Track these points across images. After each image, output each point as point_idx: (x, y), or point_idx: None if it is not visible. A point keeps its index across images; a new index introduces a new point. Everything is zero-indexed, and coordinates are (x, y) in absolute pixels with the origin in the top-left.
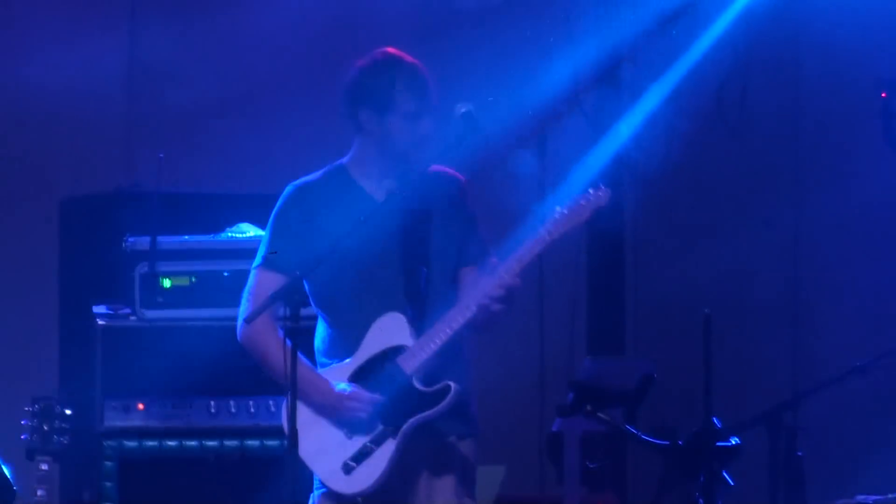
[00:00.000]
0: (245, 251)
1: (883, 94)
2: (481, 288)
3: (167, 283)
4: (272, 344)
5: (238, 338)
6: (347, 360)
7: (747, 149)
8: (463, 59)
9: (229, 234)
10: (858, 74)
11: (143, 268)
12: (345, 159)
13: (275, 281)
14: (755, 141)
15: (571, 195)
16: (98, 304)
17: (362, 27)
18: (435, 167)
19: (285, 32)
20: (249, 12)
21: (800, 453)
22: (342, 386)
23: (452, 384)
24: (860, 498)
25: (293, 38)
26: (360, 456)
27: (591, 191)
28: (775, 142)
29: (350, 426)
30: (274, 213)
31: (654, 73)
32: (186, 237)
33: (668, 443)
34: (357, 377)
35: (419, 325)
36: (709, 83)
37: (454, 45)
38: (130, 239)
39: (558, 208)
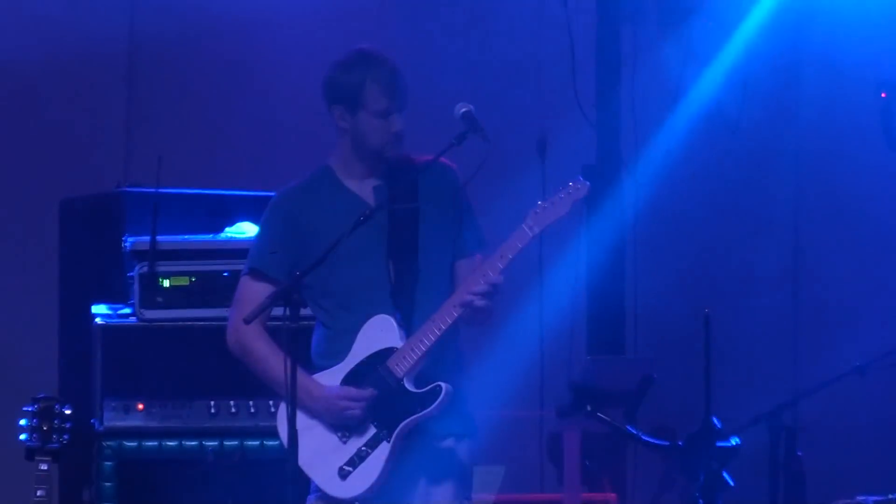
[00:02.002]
0: (245, 251)
1: (883, 94)
2: (466, 286)
3: (166, 283)
4: (265, 351)
5: (228, 344)
6: (339, 364)
7: (747, 149)
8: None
9: (229, 234)
10: (858, 74)
11: (142, 268)
12: (330, 159)
13: (264, 289)
14: (755, 141)
15: (552, 189)
16: (98, 304)
17: (370, 25)
18: (425, 157)
19: (286, 32)
20: (250, 12)
21: (800, 453)
22: (333, 388)
23: (444, 385)
24: (860, 498)
25: (295, 38)
26: (356, 460)
27: (570, 184)
28: (775, 142)
29: (344, 430)
30: (262, 221)
31: (655, 71)
32: (186, 237)
33: (668, 443)
34: (349, 381)
35: (408, 325)
36: (709, 83)
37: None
38: (130, 239)
39: (539, 203)
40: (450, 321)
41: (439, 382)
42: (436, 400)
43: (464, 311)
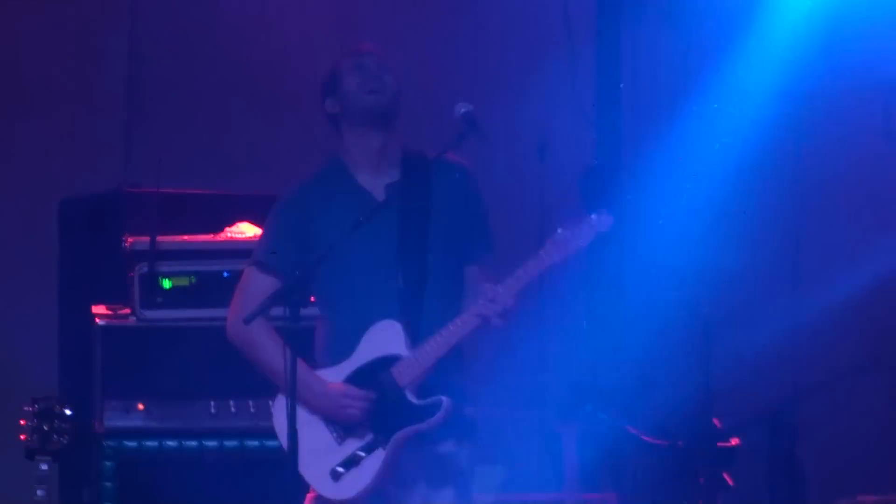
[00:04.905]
0: (245, 251)
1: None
2: (479, 306)
3: (167, 283)
4: (267, 343)
5: (228, 334)
6: (342, 364)
7: (747, 148)
8: (461, 58)
9: (229, 234)
10: (860, 74)
11: (142, 268)
12: (339, 152)
13: (268, 282)
14: (755, 140)
15: (573, 217)
16: (98, 304)
17: (366, 26)
18: (437, 154)
19: (286, 31)
20: (250, 12)
21: (800, 453)
22: (335, 385)
23: (444, 399)
24: (860, 498)
25: (295, 37)
26: (349, 463)
27: (593, 216)
28: (775, 142)
29: (341, 431)
30: (272, 213)
31: (654, 71)
32: (186, 237)
33: (667, 443)
34: (350, 381)
35: (415, 331)
36: (709, 83)
37: (452, 42)
38: (130, 239)
39: (559, 230)
40: (458, 337)
41: (441, 396)
42: (435, 413)
43: (474, 328)
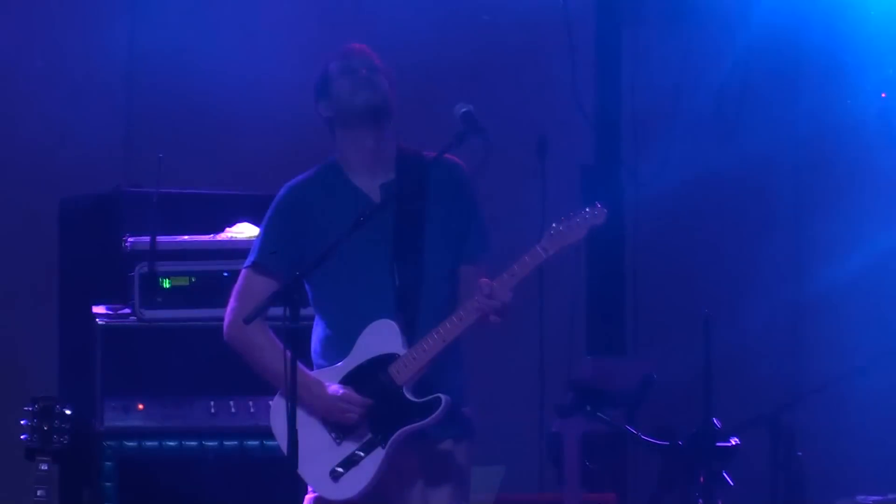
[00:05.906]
0: (244, 251)
1: (882, 95)
2: (475, 302)
3: (166, 283)
4: (265, 345)
5: (225, 337)
6: (339, 364)
7: (747, 148)
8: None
9: (229, 235)
10: (858, 74)
11: (142, 268)
12: (335, 155)
13: (265, 284)
14: (755, 141)
15: (568, 212)
16: (98, 304)
17: (366, 25)
18: (432, 154)
19: (287, 31)
20: (250, 10)
21: (800, 453)
22: (334, 387)
23: (443, 397)
24: (860, 498)
25: (295, 37)
26: (348, 463)
27: (587, 209)
28: (775, 142)
29: (340, 431)
30: (268, 215)
31: (654, 70)
32: (186, 237)
33: (667, 443)
34: (348, 382)
35: (411, 331)
36: (709, 83)
37: (452, 48)
38: (130, 239)
39: (554, 225)
40: (455, 333)
41: (439, 394)
42: (434, 411)
43: (471, 324)
